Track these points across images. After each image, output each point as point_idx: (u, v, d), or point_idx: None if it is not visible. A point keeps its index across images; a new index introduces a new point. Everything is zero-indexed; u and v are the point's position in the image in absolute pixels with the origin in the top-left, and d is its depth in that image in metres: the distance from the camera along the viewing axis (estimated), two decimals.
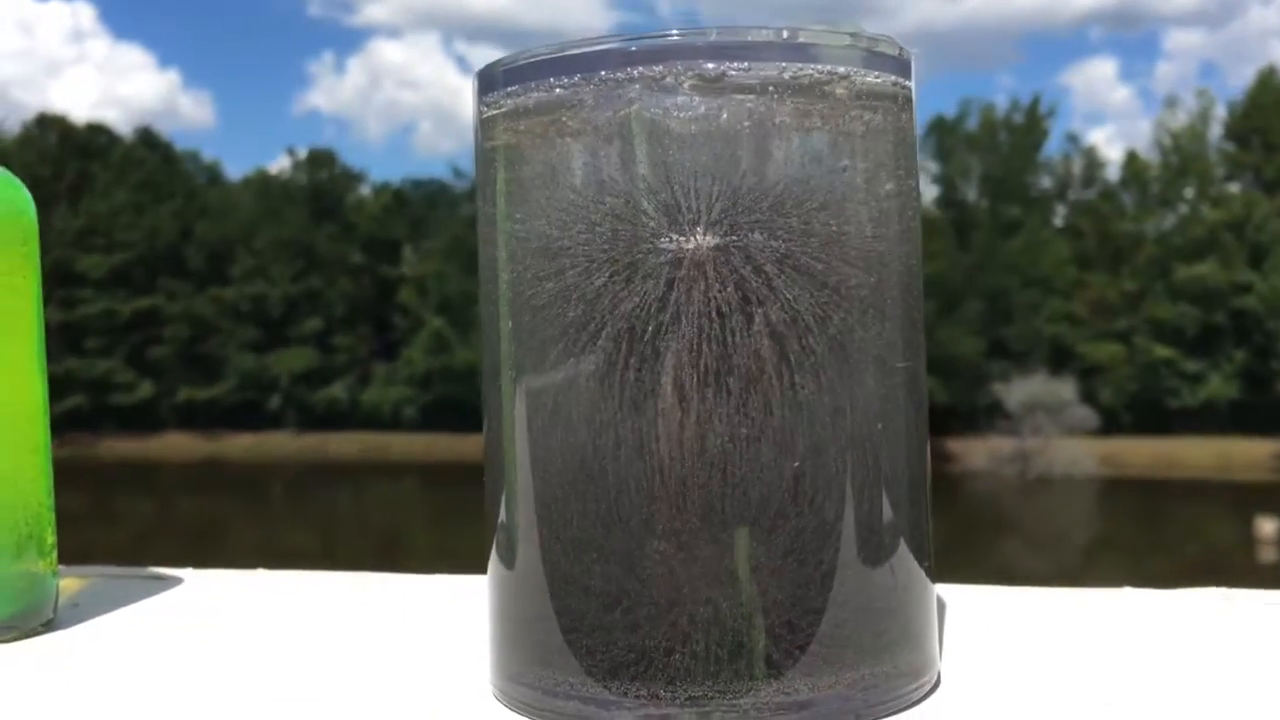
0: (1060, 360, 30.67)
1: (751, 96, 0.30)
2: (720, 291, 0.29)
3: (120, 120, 61.22)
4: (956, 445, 32.00)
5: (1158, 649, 0.35)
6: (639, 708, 0.31)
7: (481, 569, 0.38)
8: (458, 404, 34.58)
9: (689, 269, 0.30)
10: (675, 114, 0.30)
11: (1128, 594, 0.44)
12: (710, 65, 0.29)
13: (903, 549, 0.32)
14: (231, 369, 34.97)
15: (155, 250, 35.36)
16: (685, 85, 0.29)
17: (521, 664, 0.33)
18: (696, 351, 0.30)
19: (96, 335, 33.90)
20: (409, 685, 0.36)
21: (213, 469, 30.28)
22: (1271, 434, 29.33)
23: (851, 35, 0.33)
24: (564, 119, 0.30)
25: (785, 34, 0.31)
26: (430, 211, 37.56)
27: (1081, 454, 26.36)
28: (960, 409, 31.79)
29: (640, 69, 0.30)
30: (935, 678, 0.33)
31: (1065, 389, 28.03)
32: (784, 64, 0.31)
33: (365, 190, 37.73)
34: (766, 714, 0.30)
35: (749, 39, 0.31)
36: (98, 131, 37.30)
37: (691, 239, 0.30)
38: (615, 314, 0.30)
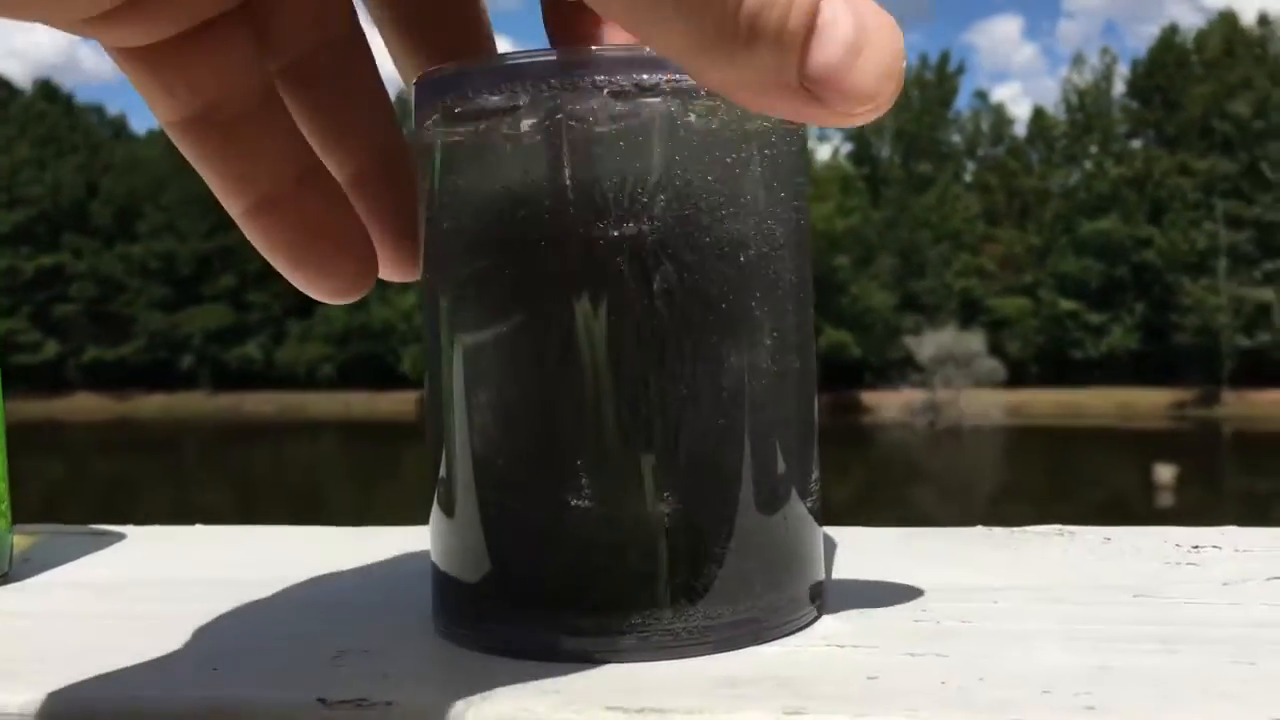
0: (969, 313, 31.38)
1: (662, 100, 0.35)
2: (636, 270, 0.34)
3: (19, 73, 59.12)
4: (870, 397, 32.58)
5: (996, 573, 0.42)
6: (560, 631, 0.35)
7: (410, 521, 0.43)
8: (376, 361, 34.36)
9: (608, 252, 0.34)
10: (596, 117, 0.34)
11: (978, 531, 0.50)
12: (630, 75, 0.34)
13: (793, 495, 0.37)
14: (141, 328, 34.31)
15: (59, 206, 34.38)
16: (605, 92, 0.34)
17: (456, 600, 0.37)
18: (612, 320, 0.34)
19: None
20: (354, 625, 0.40)
21: (124, 429, 29.75)
22: (1169, 384, 30.39)
23: None
24: (497, 124, 0.34)
25: None
26: None
27: (990, 404, 27.07)
28: (873, 362, 32.36)
29: (567, 78, 0.34)
30: (822, 605, 0.38)
31: (974, 341, 28.75)
32: None
33: None
34: (673, 638, 0.35)
35: None
36: None
37: (611, 227, 0.34)
38: (542, 291, 0.34)
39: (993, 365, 28.38)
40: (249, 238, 0.33)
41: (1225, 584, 0.38)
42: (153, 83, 0.29)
